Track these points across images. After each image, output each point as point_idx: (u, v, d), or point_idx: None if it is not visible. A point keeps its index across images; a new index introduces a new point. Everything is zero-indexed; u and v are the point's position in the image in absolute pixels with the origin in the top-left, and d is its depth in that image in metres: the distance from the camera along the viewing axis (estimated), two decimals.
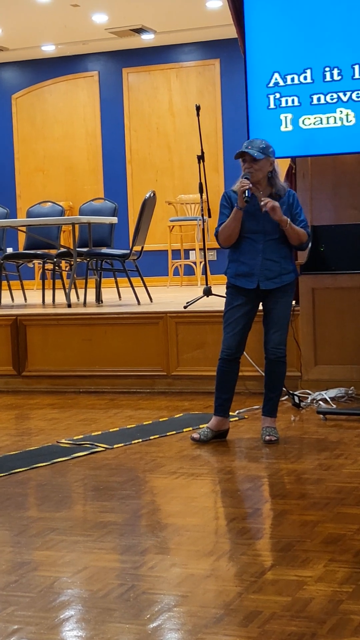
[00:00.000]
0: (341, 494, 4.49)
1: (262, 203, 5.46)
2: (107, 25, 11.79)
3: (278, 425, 5.87)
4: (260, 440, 5.67)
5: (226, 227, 5.57)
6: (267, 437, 5.64)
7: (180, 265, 12.01)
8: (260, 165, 5.51)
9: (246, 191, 5.40)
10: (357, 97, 6.48)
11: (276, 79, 6.68)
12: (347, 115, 6.53)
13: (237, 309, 5.63)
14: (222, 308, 5.78)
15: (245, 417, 6.44)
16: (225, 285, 5.78)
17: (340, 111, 6.54)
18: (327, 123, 6.59)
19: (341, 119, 6.55)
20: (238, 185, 5.49)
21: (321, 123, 6.61)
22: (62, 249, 9.79)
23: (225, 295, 5.78)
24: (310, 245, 6.42)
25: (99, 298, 9.13)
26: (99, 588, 3.38)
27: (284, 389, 6.67)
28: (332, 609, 3.09)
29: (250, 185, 5.44)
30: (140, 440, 5.85)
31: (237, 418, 6.37)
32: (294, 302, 7.07)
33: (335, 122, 6.56)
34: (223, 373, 5.72)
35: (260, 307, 5.72)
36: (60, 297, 9.57)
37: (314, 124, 6.64)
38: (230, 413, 6.38)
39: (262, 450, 5.50)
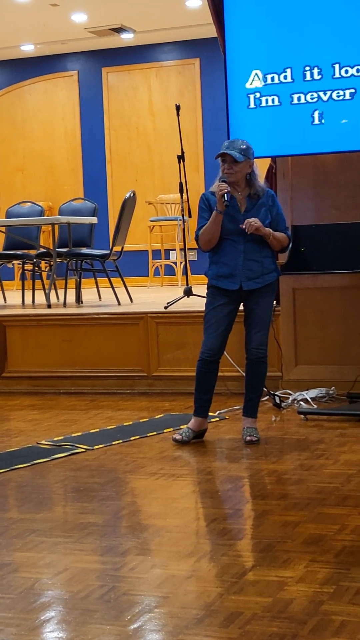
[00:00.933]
0: (322, 494, 4.50)
1: (244, 226, 5.46)
2: (86, 24, 11.78)
3: (259, 425, 5.87)
4: (241, 441, 5.68)
5: (206, 231, 5.57)
6: (248, 438, 5.64)
7: (161, 265, 12.01)
8: (240, 167, 5.51)
9: (225, 195, 5.41)
10: (338, 97, 6.50)
11: (256, 78, 6.69)
12: (328, 115, 6.55)
13: (219, 310, 5.63)
14: (203, 308, 5.77)
15: (226, 417, 6.45)
16: (206, 286, 5.78)
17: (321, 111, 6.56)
18: (308, 123, 6.61)
19: (321, 118, 6.56)
20: (216, 189, 5.50)
21: (301, 123, 6.62)
22: (42, 249, 9.77)
23: (206, 296, 5.78)
24: (290, 245, 6.44)
25: (79, 298, 9.12)
26: (79, 589, 3.38)
27: (264, 389, 6.69)
28: (313, 610, 3.09)
29: (229, 188, 5.45)
30: (120, 441, 5.85)
31: (217, 418, 6.38)
32: (275, 302, 7.10)
33: (315, 122, 6.58)
34: (203, 374, 5.72)
35: (241, 308, 5.72)
36: (40, 297, 9.56)
37: (294, 123, 6.65)
38: (211, 413, 6.39)
39: (242, 450, 5.51)
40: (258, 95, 6.71)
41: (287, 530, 3.98)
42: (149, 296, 9.89)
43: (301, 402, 6.74)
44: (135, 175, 12.86)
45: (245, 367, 5.77)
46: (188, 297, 8.00)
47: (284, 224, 5.66)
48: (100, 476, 5.04)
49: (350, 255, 6.37)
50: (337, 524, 4.01)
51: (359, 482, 4.67)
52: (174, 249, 11.96)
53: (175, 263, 11.91)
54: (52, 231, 9.39)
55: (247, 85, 6.73)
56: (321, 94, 6.55)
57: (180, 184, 8.38)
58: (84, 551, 3.83)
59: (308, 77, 6.57)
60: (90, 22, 11.70)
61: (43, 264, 10.31)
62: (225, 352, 6.89)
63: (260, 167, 6.64)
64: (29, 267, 10.01)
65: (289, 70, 6.62)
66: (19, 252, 9.86)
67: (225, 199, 5.40)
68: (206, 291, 5.76)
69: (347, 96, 6.48)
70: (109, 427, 6.27)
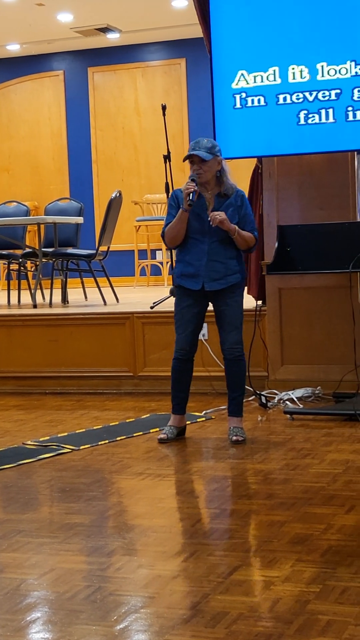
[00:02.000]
0: (308, 493, 4.50)
1: (209, 219, 5.48)
2: (72, 24, 11.76)
3: (245, 425, 5.88)
4: (227, 441, 5.68)
5: (172, 228, 5.61)
6: (234, 438, 5.65)
7: (147, 265, 12.00)
8: (209, 165, 5.53)
9: (191, 194, 5.43)
10: (323, 97, 6.51)
11: (242, 79, 6.70)
12: (313, 115, 6.56)
13: (186, 310, 5.69)
14: None
15: (212, 417, 6.45)
16: None
17: (306, 111, 6.57)
18: (294, 123, 6.61)
19: (307, 119, 6.57)
20: (184, 187, 5.53)
21: (287, 123, 6.63)
22: (28, 249, 9.76)
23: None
24: (277, 245, 6.45)
25: (65, 298, 9.11)
26: (65, 590, 3.37)
27: (250, 388, 6.70)
28: (299, 609, 3.10)
29: (196, 188, 5.47)
30: (106, 441, 5.84)
31: (204, 418, 6.38)
32: (260, 302, 7.12)
33: (301, 122, 6.58)
34: (179, 372, 5.80)
35: (211, 307, 5.74)
36: (26, 297, 9.54)
37: (280, 123, 6.65)
38: (197, 413, 6.40)
39: (229, 450, 5.51)
40: (244, 95, 6.72)
41: (273, 529, 3.98)
42: (135, 296, 9.88)
43: (287, 402, 6.75)
44: (121, 175, 12.85)
45: (224, 367, 5.78)
46: (174, 297, 7.98)
47: (251, 225, 5.66)
48: (87, 476, 5.04)
49: (336, 255, 6.37)
50: (323, 524, 4.02)
51: (345, 482, 4.68)
52: (160, 249, 11.95)
53: (161, 263, 11.90)
54: (38, 231, 9.37)
55: (233, 86, 6.74)
56: (307, 94, 6.56)
57: (167, 183, 8.36)
58: (70, 551, 3.82)
59: (294, 78, 6.57)
60: (76, 22, 11.69)
61: (29, 264, 10.29)
62: (211, 352, 6.92)
63: (246, 168, 6.63)
64: (14, 267, 9.99)
65: (274, 71, 6.62)
66: (4, 251, 9.84)
67: (191, 198, 5.43)
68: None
69: (333, 96, 6.49)
70: (95, 427, 6.26)
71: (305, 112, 6.57)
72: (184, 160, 5.62)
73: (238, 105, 6.74)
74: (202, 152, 5.50)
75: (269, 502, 4.44)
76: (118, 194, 9.05)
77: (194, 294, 5.64)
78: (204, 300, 5.69)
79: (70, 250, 9.42)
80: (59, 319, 7.98)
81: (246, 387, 6.88)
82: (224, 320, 5.66)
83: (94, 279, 9.01)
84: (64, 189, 13.04)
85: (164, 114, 8.39)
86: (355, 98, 6.42)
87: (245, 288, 7.41)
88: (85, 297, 9.58)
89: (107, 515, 4.39)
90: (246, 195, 5.82)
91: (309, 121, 6.57)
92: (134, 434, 6.01)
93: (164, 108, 8.41)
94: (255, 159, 7.23)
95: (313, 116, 6.56)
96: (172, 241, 5.66)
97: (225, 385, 5.80)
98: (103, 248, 9.00)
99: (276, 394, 6.91)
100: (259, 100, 6.68)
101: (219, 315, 5.69)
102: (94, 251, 8.96)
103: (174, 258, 5.83)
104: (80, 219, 9.69)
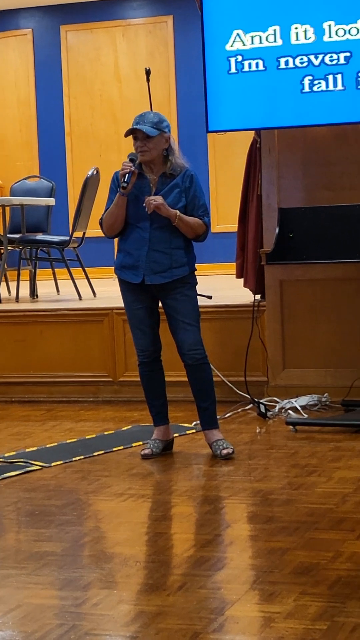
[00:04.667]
0: (313, 516, 4.52)
1: (144, 204, 5.47)
2: None
3: (242, 438, 5.89)
4: (218, 457, 5.68)
5: (109, 214, 5.63)
6: (224, 451, 5.63)
7: None
8: (155, 142, 5.55)
9: (126, 175, 5.45)
10: (331, 61, 6.51)
11: (238, 39, 6.70)
12: (319, 82, 6.57)
13: (136, 307, 5.71)
14: None
15: None
16: None
17: (311, 77, 6.58)
18: (297, 91, 6.62)
19: (312, 86, 6.57)
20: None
21: (290, 90, 6.63)
22: None
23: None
24: (278, 231, 6.45)
25: (33, 292, 9.11)
26: (34, 629, 3.37)
27: (247, 396, 6.71)
28: None
29: (133, 168, 5.48)
30: (82, 457, 5.85)
31: (194, 430, 6.39)
32: (258, 296, 7.13)
33: (305, 90, 6.59)
34: (148, 378, 5.81)
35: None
36: None
37: (281, 91, 6.66)
38: (186, 424, 6.41)
39: (222, 467, 5.52)
40: (240, 58, 6.72)
41: (274, 558, 3.99)
42: (115, 289, 9.85)
43: (290, 411, 6.76)
44: (99, 150, 12.85)
45: (186, 374, 5.75)
46: None
47: (201, 209, 5.63)
48: (59, 498, 5.04)
49: (345, 243, 6.40)
50: (330, 551, 4.03)
51: (356, 503, 4.70)
52: None
53: None
54: (2, 214, 9.36)
55: (228, 47, 6.74)
56: (312, 57, 6.56)
57: None
58: (40, 585, 3.83)
59: (297, 39, 6.57)
60: None
61: None
62: None
63: (242, 142, 6.61)
64: None
65: (275, 30, 6.62)
66: None
67: (125, 180, 5.44)
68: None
69: (342, 60, 6.50)
70: (68, 441, 6.27)
71: (310, 78, 6.58)
72: (125, 136, 5.64)
73: (233, 70, 6.74)
74: (147, 126, 5.52)
75: (268, 526, 4.45)
76: (95, 172, 9.05)
77: (136, 288, 5.65)
78: (149, 296, 5.69)
79: (40, 236, 9.42)
80: (27, 315, 7.98)
81: (243, 394, 6.93)
82: (176, 318, 5.64)
83: (67, 269, 9.01)
84: (33, 166, 13.03)
85: (148, 80, 8.39)
86: None
87: (242, 280, 7.46)
88: (58, 291, 9.58)
89: (83, 542, 4.39)
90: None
91: (315, 88, 6.58)
92: (114, 449, 6.02)
93: (147, 73, 8.40)
94: (253, 131, 7.24)
95: (319, 83, 6.57)
96: (110, 229, 5.66)
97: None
98: (78, 234, 9.00)
99: (277, 402, 6.93)
100: (257, 64, 6.69)
101: (169, 314, 5.68)
102: (67, 238, 8.96)
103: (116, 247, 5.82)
104: (51, 201, 9.70)
